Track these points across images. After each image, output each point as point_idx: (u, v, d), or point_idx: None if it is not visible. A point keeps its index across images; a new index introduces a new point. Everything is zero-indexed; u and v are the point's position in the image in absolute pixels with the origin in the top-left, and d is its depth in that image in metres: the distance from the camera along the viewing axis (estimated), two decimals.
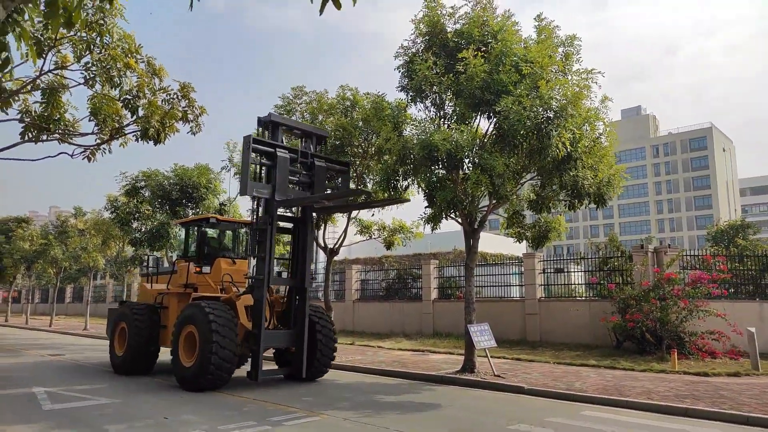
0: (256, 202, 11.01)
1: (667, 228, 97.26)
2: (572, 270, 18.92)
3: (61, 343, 20.90)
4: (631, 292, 14.80)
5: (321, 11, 3.35)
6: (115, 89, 7.02)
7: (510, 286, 20.02)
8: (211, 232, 12.88)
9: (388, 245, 18.79)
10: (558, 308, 17.70)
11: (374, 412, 8.28)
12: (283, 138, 11.55)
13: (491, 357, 12.25)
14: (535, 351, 15.43)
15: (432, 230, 12.39)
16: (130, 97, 7.13)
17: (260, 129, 11.10)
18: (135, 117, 7.31)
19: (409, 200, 11.39)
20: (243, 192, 10.29)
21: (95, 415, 7.85)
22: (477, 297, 19.38)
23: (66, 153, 7.99)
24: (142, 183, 20.59)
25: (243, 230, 13.33)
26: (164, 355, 11.92)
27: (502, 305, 19.15)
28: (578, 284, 18.69)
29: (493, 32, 11.38)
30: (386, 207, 16.83)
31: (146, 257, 16.00)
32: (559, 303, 17.89)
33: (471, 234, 12.29)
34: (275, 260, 11.21)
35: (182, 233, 22.04)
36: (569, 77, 11.27)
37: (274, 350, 11.82)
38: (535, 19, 11.70)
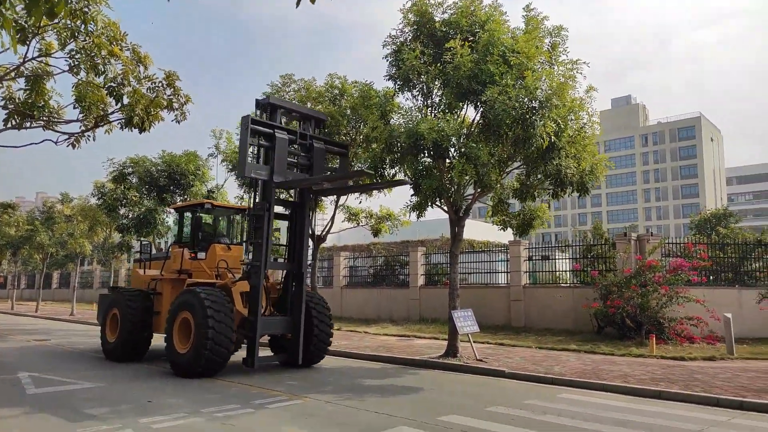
0: (253, 186, 10.85)
1: (654, 216, 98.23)
2: (558, 257, 19.20)
3: (47, 328, 20.93)
4: (613, 279, 15.10)
5: (297, 4, 3.45)
6: (99, 77, 7.02)
7: (497, 272, 20.28)
8: (206, 218, 12.74)
9: (376, 232, 18.94)
10: (542, 294, 17.99)
11: (356, 396, 8.47)
12: (282, 120, 11.44)
13: (475, 342, 12.48)
14: (518, 336, 15.71)
15: (417, 218, 12.54)
16: (114, 85, 7.14)
17: (258, 111, 10.97)
18: (120, 105, 7.31)
19: (410, 182, 11.12)
20: (241, 173, 10.12)
21: (79, 399, 7.96)
22: (464, 283, 19.64)
23: (50, 140, 8.00)
24: (130, 169, 20.55)
25: (238, 216, 13.23)
26: (156, 341, 11.98)
27: (488, 291, 19.42)
28: (564, 271, 18.99)
29: (481, 22, 11.45)
30: (373, 194, 17.00)
31: (140, 243, 15.91)
32: (543, 289, 18.18)
33: (456, 222, 12.46)
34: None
35: (170, 219, 22.11)
36: (555, 68, 11.40)
37: (269, 337, 11.76)
38: (523, 9, 11.76)
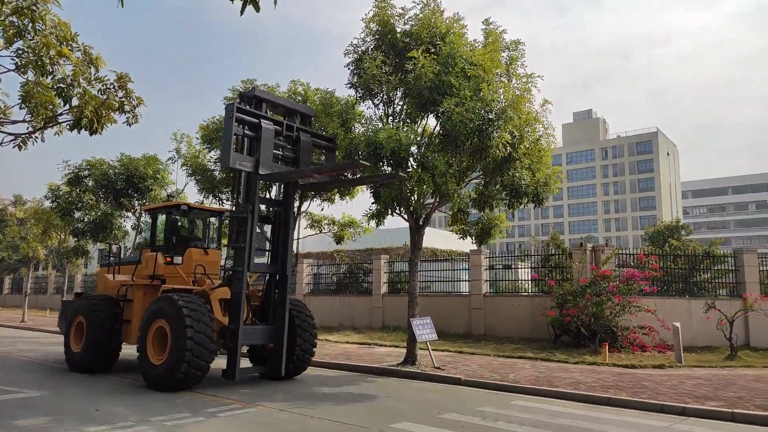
0: (236, 182, 10.31)
1: (614, 228, 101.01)
2: (519, 266, 19.52)
3: None
4: (569, 288, 15.43)
5: (242, 12, 3.46)
6: (47, 77, 6.83)
7: (459, 281, 20.48)
8: (182, 220, 12.13)
9: (339, 240, 18.93)
10: (502, 303, 18.24)
11: (310, 403, 8.43)
12: (269, 113, 10.96)
13: (435, 350, 12.59)
14: (478, 344, 15.89)
15: (377, 226, 12.60)
16: (63, 86, 6.95)
17: (243, 104, 10.41)
18: (68, 106, 7.12)
19: (407, 177, 10.66)
20: (224, 164, 9.60)
21: (19, 408, 7.67)
22: (426, 292, 19.76)
23: None
24: (86, 172, 20.01)
25: (214, 219, 12.71)
26: (125, 350, 11.56)
27: (449, 300, 19.59)
28: (524, 280, 19.30)
29: (441, 34, 11.62)
30: (335, 201, 17.00)
31: (109, 245, 15.21)
32: (502, 298, 18.44)
33: (416, 231, 12.56)
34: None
35: (127, 224, 21.58)
36: (513, 81, 11.66)
37: (247, 347, 11.16)
38: (483, 22, 12.00)
